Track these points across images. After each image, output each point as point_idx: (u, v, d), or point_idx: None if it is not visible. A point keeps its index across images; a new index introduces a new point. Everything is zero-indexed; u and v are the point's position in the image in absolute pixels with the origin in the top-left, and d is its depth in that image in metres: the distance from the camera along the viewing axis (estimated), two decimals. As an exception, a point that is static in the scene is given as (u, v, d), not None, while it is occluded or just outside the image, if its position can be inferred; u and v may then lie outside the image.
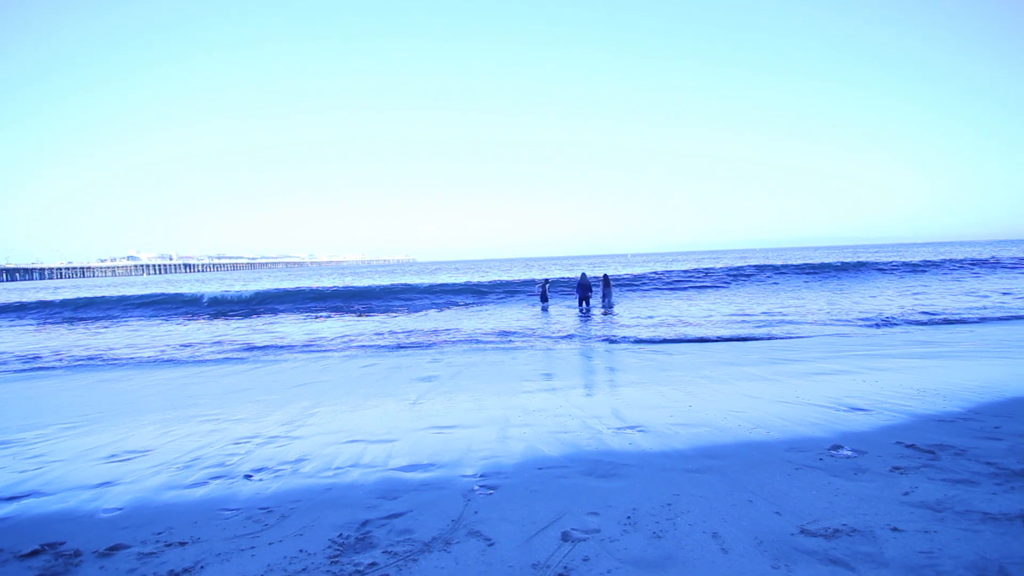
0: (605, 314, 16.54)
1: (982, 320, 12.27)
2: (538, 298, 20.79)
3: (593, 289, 18.04)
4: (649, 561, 2.71)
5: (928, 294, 18.89)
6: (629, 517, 3.19)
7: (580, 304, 17.40)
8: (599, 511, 3.29)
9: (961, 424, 4.69)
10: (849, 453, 4.10)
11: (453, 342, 11.84)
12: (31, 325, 21.11)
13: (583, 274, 18.19)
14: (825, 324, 12.50)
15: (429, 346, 11.44)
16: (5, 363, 11.30)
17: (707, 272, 31.70)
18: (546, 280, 22.57)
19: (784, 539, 2.86)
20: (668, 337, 11.43)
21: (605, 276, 19.06)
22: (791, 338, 10.77)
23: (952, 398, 5.56)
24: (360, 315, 19.78)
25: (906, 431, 4.57)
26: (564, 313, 17.33)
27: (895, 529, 2.91)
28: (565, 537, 2.98)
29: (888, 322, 12.42)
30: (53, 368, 10.53)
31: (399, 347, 11.52)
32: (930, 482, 3.50)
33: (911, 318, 12.90)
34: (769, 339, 10.76)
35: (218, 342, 13.34)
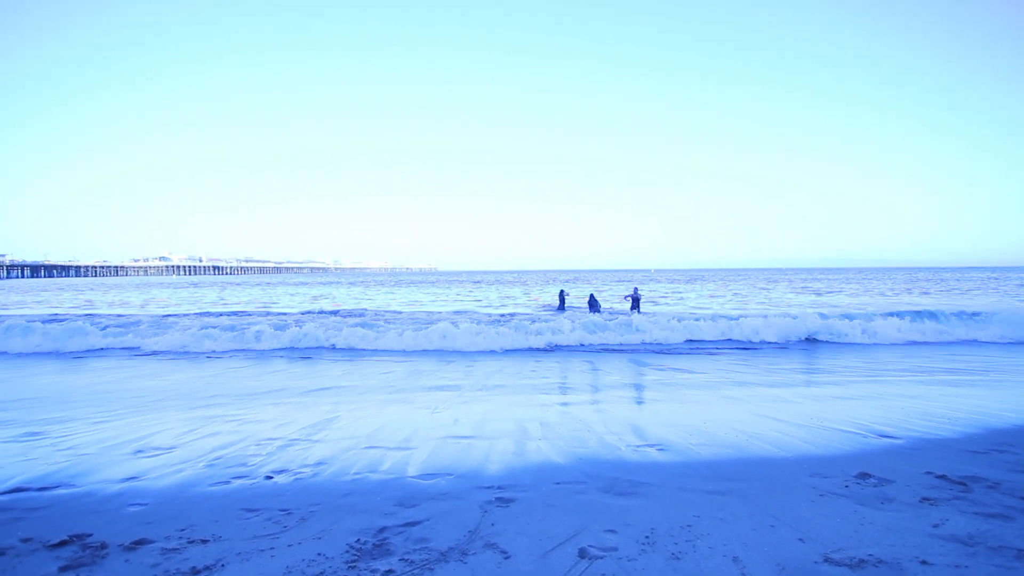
0: None
1: None
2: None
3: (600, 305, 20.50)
4: (667, 582, 2.67)
5: None
6: (647, 537, 3.15)
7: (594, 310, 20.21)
8: (617, 529, 3.26)
9: (995, 456, 4.54)
10: (876, 481, 4.00)
11: (470, 351, 11.86)
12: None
13: (591, 295, 21.15)
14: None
15: (449, 353, 11.48)
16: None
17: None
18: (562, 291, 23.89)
19: (807, 567, 2.79)
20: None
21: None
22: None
23: (985, 428, 5.38)
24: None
25: (936, 460, 4.44)
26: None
27: (924, 562, 2.82)
28: (582, 554, 2.96)
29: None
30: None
31: (417, 353, 11.59)
32: (962, 515, 3.39)
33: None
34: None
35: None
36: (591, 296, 21.25)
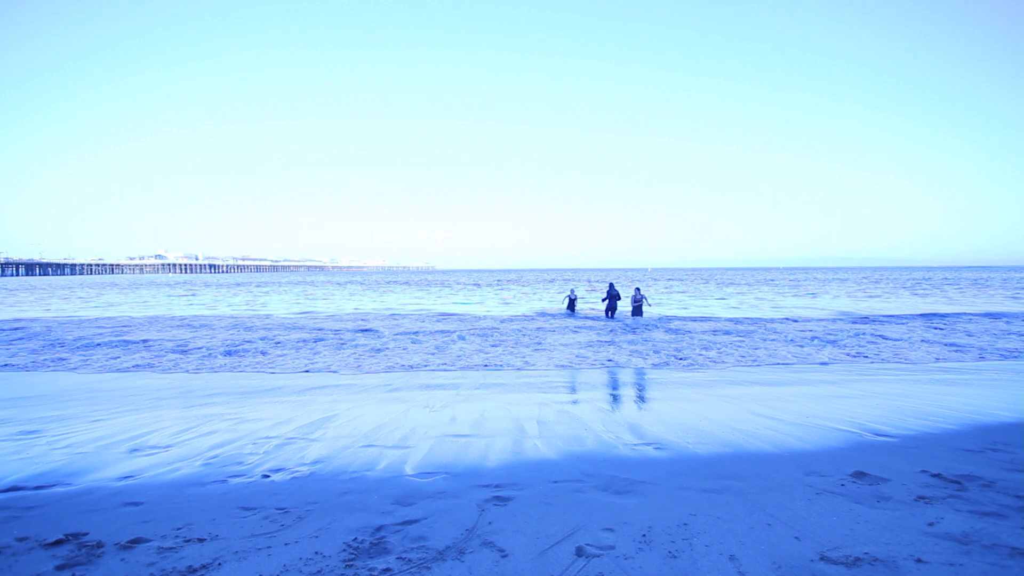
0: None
1: None
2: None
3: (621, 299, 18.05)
4: (664, 581, 2.68)
5: None
6: (644, 535, 3.16)
7: (607, 313, 17.99)
8: (614, 527, 3.26)
9: (989, 455, 4.56)
10: (871, 479, 4.01)
11: (470, 351, 11.85)
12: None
13: (611, 284, 18.77)
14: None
15: (447, 353, 11.47)
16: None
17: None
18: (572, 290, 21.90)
19: (803, 565, 2.80)
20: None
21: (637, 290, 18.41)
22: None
23: (980, 427, 5.41)
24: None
25: (931, 459, 4.46)
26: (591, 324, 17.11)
27: (919, 560, 2.83)
28: (579, 552, 2.96)
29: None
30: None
31: (418, 353, 11.57)
32: (956, 513, 3.40)
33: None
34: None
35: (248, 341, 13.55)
36: (610, 287, 18.33)
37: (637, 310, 17.51)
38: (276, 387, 8.05)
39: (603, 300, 18.52)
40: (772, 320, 17.85)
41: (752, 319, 18.35)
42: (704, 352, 11.26)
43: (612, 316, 17.68)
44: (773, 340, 12.89)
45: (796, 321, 17.53)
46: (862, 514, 3.41)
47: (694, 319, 18.39)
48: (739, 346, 12.03)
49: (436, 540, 3.12)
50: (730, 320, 18.08)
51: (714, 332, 14.57)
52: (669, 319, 18.00)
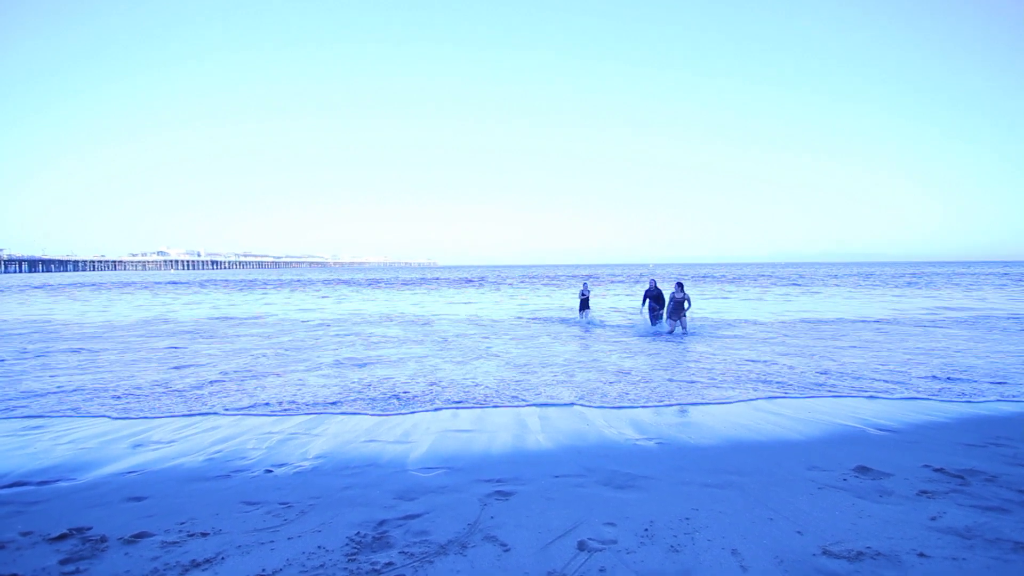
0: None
1: None
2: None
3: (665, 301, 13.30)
4: (666, 575, 2.68)
5: None
6: (646, 529, 3.16)
7: (652, 320, 13.72)
8: (616, 522, 3.27)
9: (993, 449, 4.55)
10: (874, 474, 4.01)
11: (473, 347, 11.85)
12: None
13: (652, 281, 14.22)
14: None
15: (449, 346, 11.47)
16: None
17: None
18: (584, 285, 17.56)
19: (806, 560, 2.80)
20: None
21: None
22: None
23: (983, 421, 5.40)
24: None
25: (934, 454, 4.45)
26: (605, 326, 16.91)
27: (922, 555, 2.83)
28: (581, 546, 2.96)
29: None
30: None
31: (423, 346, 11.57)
32: (959, 508, 3.40)
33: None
34: (792, 355, 10.51)
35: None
36: (652, 286, 13.75)
37: (677, 312, 12.77)
38: (279, 381, 8.05)
39: (660, 299, 13.83)
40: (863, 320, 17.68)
41: (824, 320, 18.24)
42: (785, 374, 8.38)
43: (657, 322, 13.62)
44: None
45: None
46: (864, 508, 3.41)
47: (730, 323, 15.48)
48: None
49: (438, 534, 3.13)
50: (783, 324, 17.89)
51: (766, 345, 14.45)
52: (704, 323, 15.09)
